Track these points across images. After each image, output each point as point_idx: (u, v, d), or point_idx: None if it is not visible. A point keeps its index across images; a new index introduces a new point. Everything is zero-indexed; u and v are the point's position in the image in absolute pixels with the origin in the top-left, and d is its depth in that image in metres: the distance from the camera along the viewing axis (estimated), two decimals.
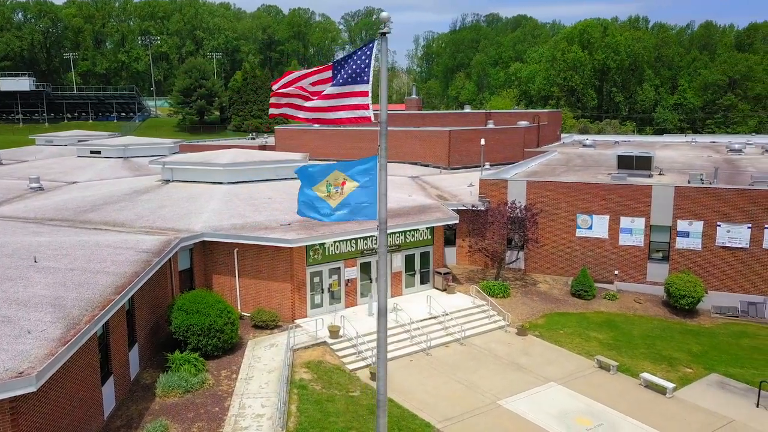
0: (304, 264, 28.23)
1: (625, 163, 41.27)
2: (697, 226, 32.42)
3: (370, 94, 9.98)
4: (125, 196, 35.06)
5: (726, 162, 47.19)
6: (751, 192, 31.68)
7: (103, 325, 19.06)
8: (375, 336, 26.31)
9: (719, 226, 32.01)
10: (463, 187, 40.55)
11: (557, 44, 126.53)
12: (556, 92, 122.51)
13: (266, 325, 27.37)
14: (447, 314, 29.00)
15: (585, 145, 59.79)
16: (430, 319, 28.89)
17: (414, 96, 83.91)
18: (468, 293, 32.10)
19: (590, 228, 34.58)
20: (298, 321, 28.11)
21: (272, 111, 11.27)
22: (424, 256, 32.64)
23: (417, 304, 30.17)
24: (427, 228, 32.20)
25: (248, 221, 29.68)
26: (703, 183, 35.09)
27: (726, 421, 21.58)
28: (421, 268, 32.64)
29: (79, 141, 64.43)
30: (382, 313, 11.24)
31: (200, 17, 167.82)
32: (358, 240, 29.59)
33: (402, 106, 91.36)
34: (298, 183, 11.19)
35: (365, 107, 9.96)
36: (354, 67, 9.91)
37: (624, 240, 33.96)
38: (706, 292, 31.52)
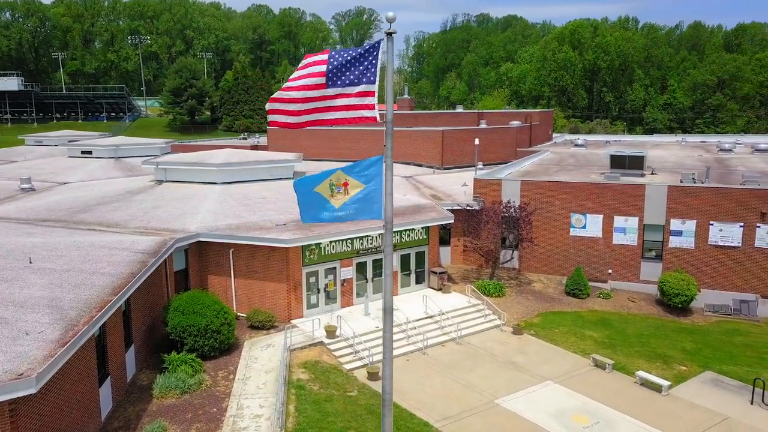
0: (300, 264, 28.19)
1: (618, 162, 41.52)
2: (690, 225, 32.68)
3: (376, 94, 9.97)
4: (118, 196, 34.85)
5: (717, 161, 47.58)
6: (742, 191, 31.97)
7: (100, 327, 18.93)
8: (372, 336, 26.59)
9: (712, 225, 32.28)
10: (457, 186, 40.64)
11: (548, 44, 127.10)
12: (546, 92, 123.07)
13: (262, 325, 27.30)
14: (443, 313, 29.06)
15: (577, 145, 60.08)
16: (426, 318, 28.93)
17: (406, 96, 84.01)
18: (463, 293, 32.18)
19: (584, 227, 34.77)
20: (294, 321, 28.06)
21: (271, 118, 10.99)
22: (420, 256, 32.68)
23: (413, 304, 30.21)
24: (422, 228, 32.25)
25: (243, 221, 29.59)
26: (695, 182, 35.39)
27: (721, 418, 21.77)
28: (417, 268, 32.69)
29: (69, 141, 63.89)
30: (387, 312, 11.24)
31: (190, 17, 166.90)
32: (354, 240, 29.58)
33: (394, 106, 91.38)
34: (291, 183, 11.11)
35: (371, 107, 9.95)
36: (360, 67, 9.87)
37: (618, 239, 34.17)
38: (699, 291, 31.77)
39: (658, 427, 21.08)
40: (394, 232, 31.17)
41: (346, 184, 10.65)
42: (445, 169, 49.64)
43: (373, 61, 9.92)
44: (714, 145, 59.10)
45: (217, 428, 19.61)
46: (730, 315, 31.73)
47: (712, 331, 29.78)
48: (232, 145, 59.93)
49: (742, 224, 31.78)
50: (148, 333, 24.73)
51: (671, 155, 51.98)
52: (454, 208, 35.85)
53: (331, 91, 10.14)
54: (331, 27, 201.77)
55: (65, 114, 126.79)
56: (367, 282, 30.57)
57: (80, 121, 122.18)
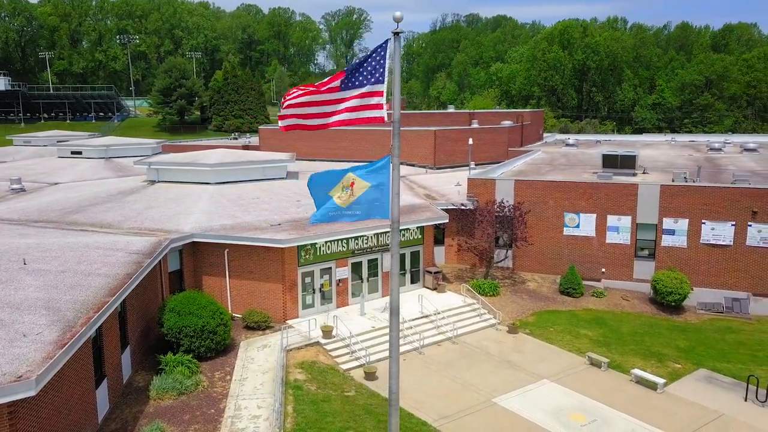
0: (296, 264, 28.12)
1: (610, 162, 41.75)
2: (683, 224, 32.94)
3: (384, 94, 9.99)
4: (111, 197, 34.61)
5: (707, 161, 48.00)
6: (734, 190, 32.26)
7: (96, 328, 18.78)
8: (368, 336, 26.62)
9: (704, 223, 32.56)
10: (451, 186, 40.71)
11: (537, 44, 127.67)
12: (536, 92, 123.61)
13: (258, 326, 27.21)
14: (438, 313, 29.10)
15: (568, 145, 60.35)
16: (421, 318, 28.96)
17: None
18: (458, 292, 32.25)
19: (577, 226, 34.94)
20: (289, 321, 27.99)
21: (282, 123, 11.13)
22: (415, 256, 32.72)
23: (408, 304, 30.18)
24: (417, 227, 32.28)
25: (238, 221, 29.48)
26: (687, 181, 35.67)
27: (716, 415, 21.96)
28: (412, 268, 32.72)
29: (58, 141, 63.42)
30: (394, 312, 11.27)
31: (179, 16, 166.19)
32: (350, 240, 29.56)
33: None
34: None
35: (380, 107, 9.96)
36: (369, 68, 9.88)
37: (611, 238, 34.37)
38: (692, 289, 32.02)
39: (654, 424, 21.23)
40: (389, 232, 31.16)
41: (353, 184, 10.67)
42: (437, 168, 49.72)
43: (381, 62, 9.93)
44: (704, 145, 59.64)
45: (215, 429, 19.52)
46: (722, 313, 32.01)
47: (705, 329, 30.03)
48: (224, 145, 59.68)
49: (733, 223, 32.07)
50: (143, 334, 24.59)
51: (662, 155, 52.37)
52: (449, 207, 35.91)
53: (342, 94, 10.17)
54: (320, 27, 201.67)
55: (53, 114, 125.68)
56: (362, 282, 30.56)
57: (68, 121, 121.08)
